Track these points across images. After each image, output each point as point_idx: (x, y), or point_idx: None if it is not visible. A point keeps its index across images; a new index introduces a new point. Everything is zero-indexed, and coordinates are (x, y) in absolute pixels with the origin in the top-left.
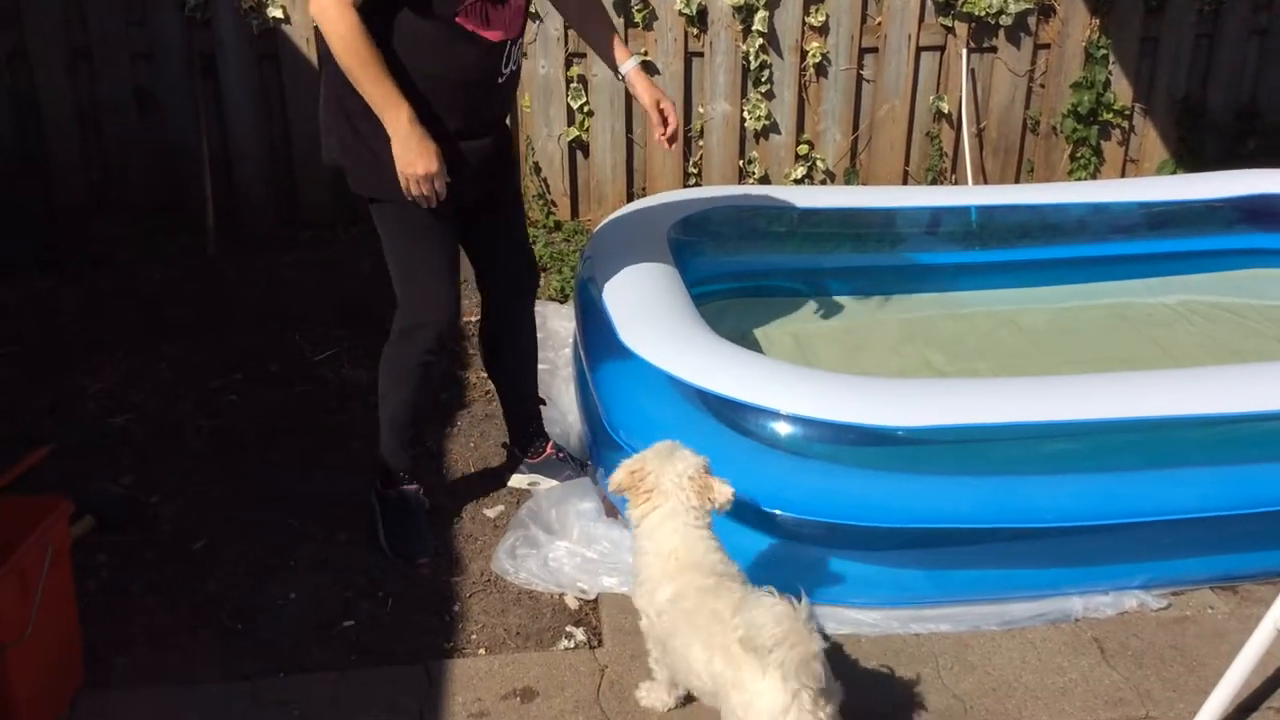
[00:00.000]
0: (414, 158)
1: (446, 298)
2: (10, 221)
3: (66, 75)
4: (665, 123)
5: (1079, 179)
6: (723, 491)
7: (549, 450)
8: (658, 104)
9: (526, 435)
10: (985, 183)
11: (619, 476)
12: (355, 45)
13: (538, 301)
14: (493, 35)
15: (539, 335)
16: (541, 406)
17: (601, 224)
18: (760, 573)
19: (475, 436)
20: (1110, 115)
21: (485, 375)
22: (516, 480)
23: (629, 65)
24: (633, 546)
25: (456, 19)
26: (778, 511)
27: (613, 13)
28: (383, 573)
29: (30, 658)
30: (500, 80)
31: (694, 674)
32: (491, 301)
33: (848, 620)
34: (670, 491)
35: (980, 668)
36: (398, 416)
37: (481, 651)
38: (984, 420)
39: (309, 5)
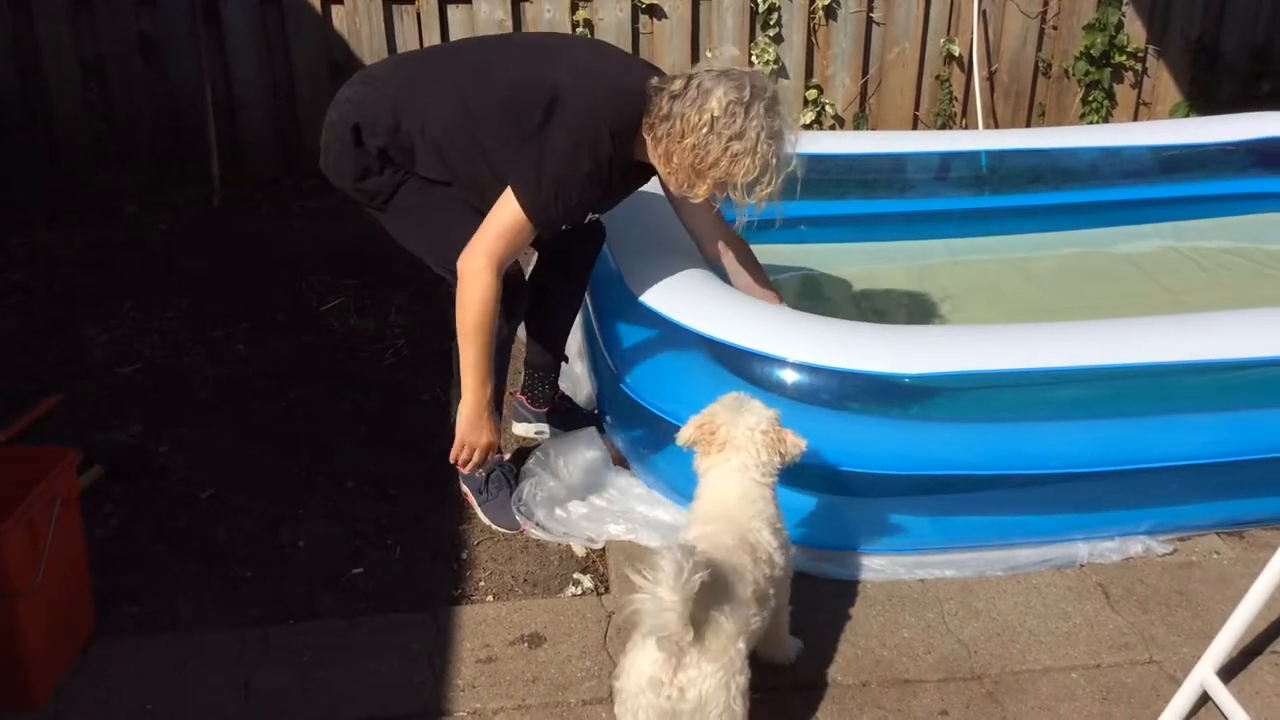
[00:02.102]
0: (481, 433)
1: (511, 268)
2: (14, 172)
3: (68, 23)
4: None
5: (1090, 123)
6: (795, 444)
7: (557, 400)
8: None
9: (540, 386)
10: (996, 127)
11: (687, 431)
12: (489, 313)
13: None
14: None
15: None
16: (563, 363)
17: None
18: None
19: None
20: (1123, 57)
21: None
22: (523, 429)
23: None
24: (696, 492)
25: None
26: None
27: None
28: (391, 521)
29: (41, 607)
30: None
31: None
32: (545, 253)
33: (854, 566)
34: (742, 445)
35: (985, 613)
36: None
37: (489, 598)
38: (991, 367)
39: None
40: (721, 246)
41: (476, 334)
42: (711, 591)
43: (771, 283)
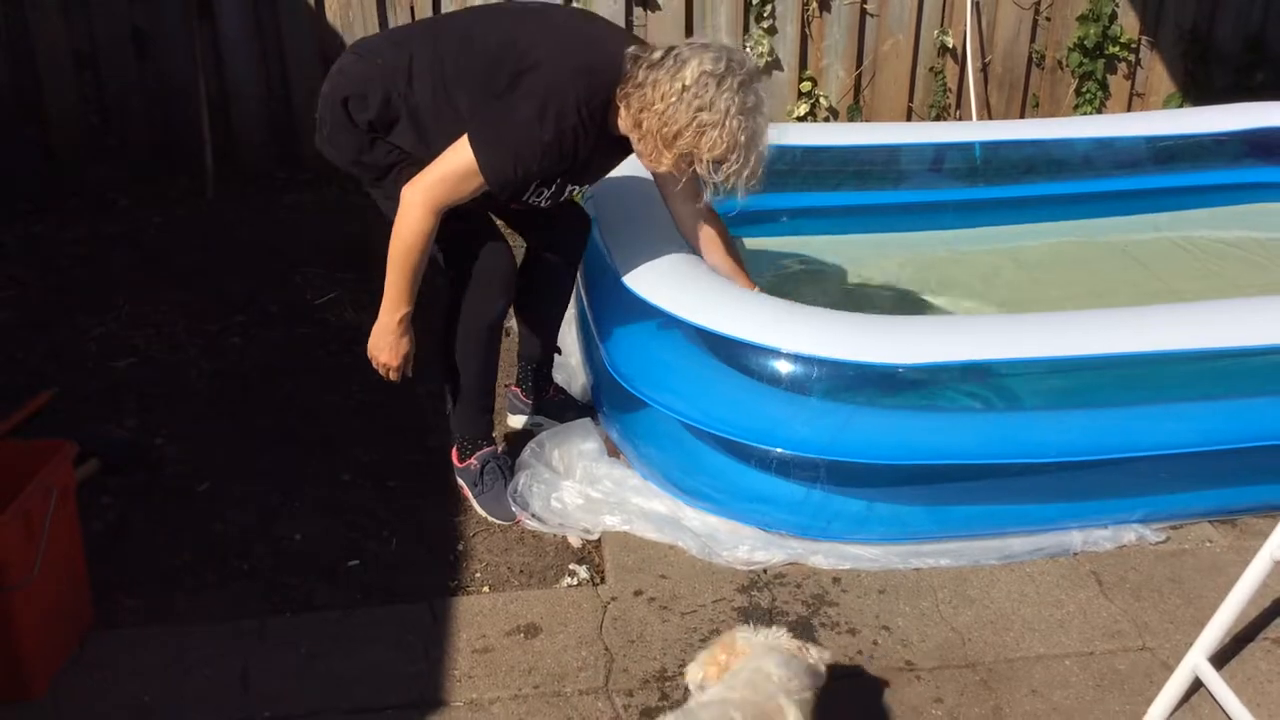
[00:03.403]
0: (385, 349)
1: (499, 250)
2: (7, 165)
3: (61, 16)
4: None
5: (1084, 114)
6: (821, 655)
7: (551, 392)
8: None
9: (534, 379)
10: (989, 118)
11: (697, 673)
12: (417, 246)
13: None
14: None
15: None
16: (556, 355)
17: None
18: (761, 510)
19: None
20: (1116, 48)
21: None
22: (519, 421)
23: None
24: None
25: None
26: (779, 450)
27: None
28: (387, 512)
29: (38, 599)
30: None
31: None
32: (534, 245)
33: (848, 556)
34: (761, 643)
35: (979, 601)
36: (471, 387)
37: (485, 589)
38: (984, 357)
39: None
40: (702, 235)
41: (395, 262)
42: None
43: (750, 279)
